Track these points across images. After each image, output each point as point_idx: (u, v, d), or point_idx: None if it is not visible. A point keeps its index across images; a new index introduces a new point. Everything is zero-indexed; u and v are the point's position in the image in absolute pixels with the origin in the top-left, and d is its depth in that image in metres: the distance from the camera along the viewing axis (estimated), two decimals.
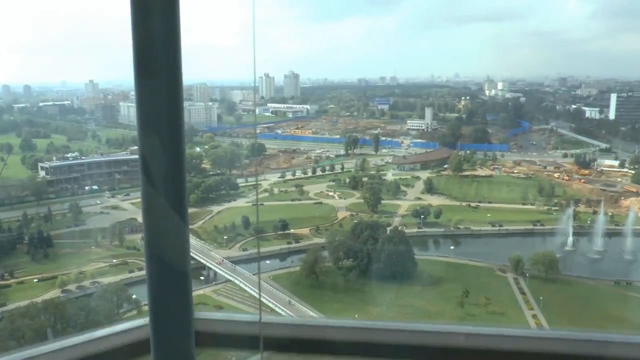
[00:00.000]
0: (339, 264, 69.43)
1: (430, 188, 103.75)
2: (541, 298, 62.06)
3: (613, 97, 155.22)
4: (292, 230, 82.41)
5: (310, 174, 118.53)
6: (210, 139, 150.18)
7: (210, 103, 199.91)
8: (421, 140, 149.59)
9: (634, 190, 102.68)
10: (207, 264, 71.33)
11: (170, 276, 1.91)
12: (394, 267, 66.08)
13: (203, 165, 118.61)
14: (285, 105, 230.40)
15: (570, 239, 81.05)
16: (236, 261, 71.88)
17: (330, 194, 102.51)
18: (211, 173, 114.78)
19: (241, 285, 64.91)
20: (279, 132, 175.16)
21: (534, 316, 59.78)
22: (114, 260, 72.83)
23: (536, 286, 65.81)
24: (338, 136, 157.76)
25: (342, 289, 65.90)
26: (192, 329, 1.98)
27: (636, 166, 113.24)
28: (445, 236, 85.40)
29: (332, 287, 66.11)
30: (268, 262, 74.43)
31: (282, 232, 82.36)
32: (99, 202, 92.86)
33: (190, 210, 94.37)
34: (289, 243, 79.91)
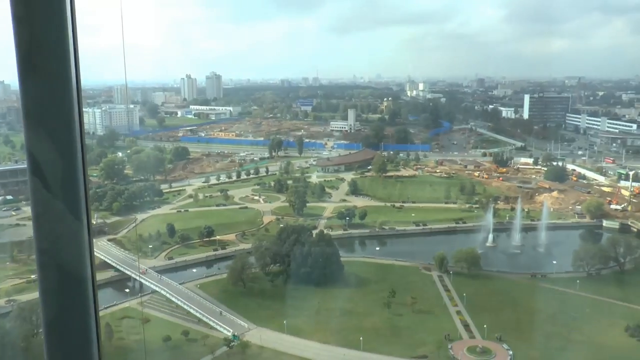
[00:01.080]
0: (266, 269, 69.07)
1: (354, 189, 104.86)
2: (465, 294, 63.79)
3: (526, 98, 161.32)
4: (218, 237, 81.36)
5: (235, 177, 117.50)
6: (133, 143, 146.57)
7: (132, 106, 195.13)
8: (345, 142, 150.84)
9: (547, 186, 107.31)
10: (132, 275, 69.43)
11: (69, 287, 1.81)
12: (320, 270, 66.38)
13: (126, 171, 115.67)
14: (208, 108, 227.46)
15: (491, 235, 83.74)
16: (162, 271, 70.40)
17: (256, 198, 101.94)
18: (134, 179, 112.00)
19: (168, 295, 63.69)
20: (202, 135, 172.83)
21: (458, 312, 61.34)
22: (32, 276, 69.55)
23: (460, 283, 67.58)
24: (262, 138, 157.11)
25: (270, 295, 65.41)
26: (94, 345, 1.88)
27: (548, 163, 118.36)
28: (370, 237, 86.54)
29: (260, 294, 65.57)
30: (194, 270, 73.25)
31: (207, 239, 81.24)
32: (14, 213, 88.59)
33: (114, 219, 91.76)
34: (215, 250, 78.89)
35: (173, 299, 62.70)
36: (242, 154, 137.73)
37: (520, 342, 55.93)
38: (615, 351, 54.28)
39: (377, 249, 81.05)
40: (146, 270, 69.77)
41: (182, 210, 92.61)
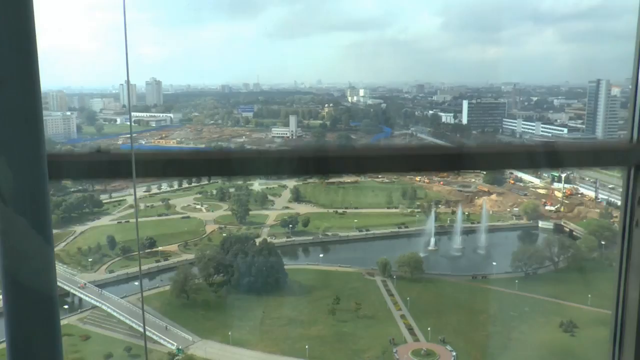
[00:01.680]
0: (210, 280, 68.40)
1: (297, 196, 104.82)
2: (408, 298, 64.75)
3: (465, 104, 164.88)
4: (160, 248, 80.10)
5: (176, 186, 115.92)
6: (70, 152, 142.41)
7: (69, 112, 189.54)
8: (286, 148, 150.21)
9: (486, 189, 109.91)
10: (71, 290, 67.03)
11: (36, 305, 1.77)
12: (264, 279, 66.23)
13: (64, 182, 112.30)
14: (148, 114, 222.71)
15: (433, 239, 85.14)
16: (103, 285, 68.91)
17: (198, 207, 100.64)
18: (72, 190, 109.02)
19: (109, 310, 62.25)
20: (143, 142, 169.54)
21: (402, 316, 62.21)
22: None
23: (403, 287, 68.51)
24: (203, 145, 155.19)
25: (214, 306, 64.85)
26: None
27: None
28: (314, 244, 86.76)
29: (204, 305, 64.88)
30: (136, 283, 71.97)
31: (149, 250, 79.88)
32: None
33: None
34: (157, 261, 77.62)
35: (115, 313, 61.46)
36: None
37: (463, 343, 57.17)
38: (551, 346, 56.38)
39: (321, 255, 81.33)
40: (85, 284, 68.26)
41: (123, 221, 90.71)
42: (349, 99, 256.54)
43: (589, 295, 66.49)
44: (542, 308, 63.26)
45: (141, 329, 57.15)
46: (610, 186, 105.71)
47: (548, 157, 3.02)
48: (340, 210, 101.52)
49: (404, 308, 63.30)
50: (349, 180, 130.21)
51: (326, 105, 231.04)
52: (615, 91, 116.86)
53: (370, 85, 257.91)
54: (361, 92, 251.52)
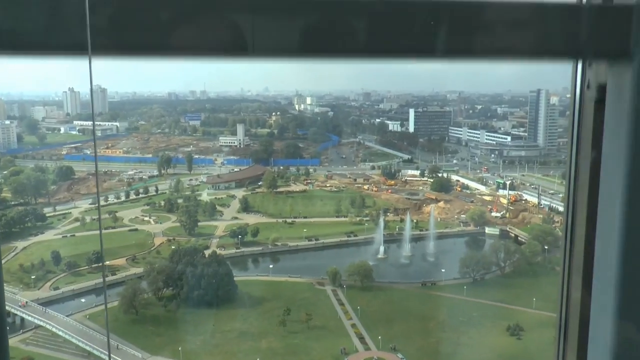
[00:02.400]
0: (159, 294, 67.19)
1: (246, 207, 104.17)
2: (359, 307, 65.03)
3: (411, 112, 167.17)
4: (107, 262, 78.20)
5: (123, 198, 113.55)
6: (10, 163, 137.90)
7: (8, 121, 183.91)
8: (234, 157, 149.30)
9: (433, 197, 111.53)
10: (12, 310, 63.85)
11: None
12: (214, 292, 65.51)
13: (3, 195, 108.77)
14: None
15: (382, 247, 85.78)
16: (46, 303, 66.65)
17: (146, 219, 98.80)
18: (13, 203, 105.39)
19: (54, 330, 60.34)
20: (88, 152, 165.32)
21: (353, 325, 62.44)
22: None
23: (353, 296, 68.79)
24: (150, 155, 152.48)
25: (164, 320, 63.68)
26: None
27: (434, 175, 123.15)
28: (263, 254, 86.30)
29: (154, 320, 63.67)
30: (83, 300, 69.91)
31: (96, 265, 77.85)
32: None
33: None
34: (105, 276, 75.82)
35: (60, 332, 59.59)
36: (130, 173, 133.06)
37: (413, 350, 57.76)
38: (498, 350, 57.50)
39: (271, 266, 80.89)
40: (26, 302, 65.80)
41: (68, 235, 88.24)
42: (296, 107, 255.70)
43: (534, 299, 68.19)
44: (490, 313, 64.55)
45: (88, 348, 55.70)
46: (551, 192, 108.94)
47: None
48: (289, 220, 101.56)
49: (354, 317, 63.55)
50: (297, 189, 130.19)
51: (273, 113, 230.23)
52: (554, 100, 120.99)
53: (317, 93, 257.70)
54: (308, 100, 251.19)
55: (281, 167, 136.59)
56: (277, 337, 59.31)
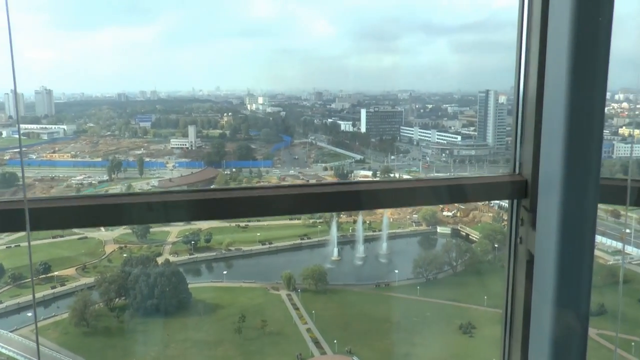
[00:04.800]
0: (111, 304, 65.84)
1: None
2: (313, 311, 65.13)
3: (363, 112, 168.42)
4: (56, 272, 76.12)
5: None
6: None
7: None
8: (186, 160, 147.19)
9: None
10: None
11: None
12: (168, 300, 64.59)
13: None
14: (38, 126, 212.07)
15: (335, 249, 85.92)
16: None
17: None
18: None
19: None
20: (34, 157, 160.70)
21: (309, 330, 62.48)
22: None
23: (308, 300, 68.77)
24: (100, 159, 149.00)
25: (117, 332, 62.45)
26: None
27: (386, 175, 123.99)
28: (217, 260, 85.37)
29: (106, 332, 62.31)
30: (29, 314, 68.00)
31: (44, 276, 75.65)
32: None
33: None
34: (53, 287, 73.70)
35: (4, 350, 57.74)
36: (79, 177, 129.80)
37: (369, 352, 58.22)
38: (451, 348, 58.46)
39: (225, 272, 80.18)
40: None
41: (13, 245, 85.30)
42: (248, 107, 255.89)
43: (485, 297, 69.46)
44: (443, 312, 65.50)
45: None
46: None
47: (447, 193, 3.42)
48: (242, 224, 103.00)
49: (309, 321, 63.60)
50: None
51: (225, 114, 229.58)
52: (502, 99, 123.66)
53: (269, 92, 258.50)
54: (260, 100, 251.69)
55: (234, 170, 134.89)
56: (233, 344, 58.90)
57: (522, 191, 3.26)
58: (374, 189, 3.23)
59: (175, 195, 2.94)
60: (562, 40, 2.00)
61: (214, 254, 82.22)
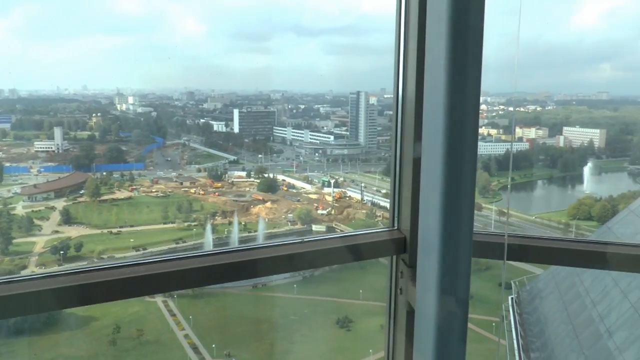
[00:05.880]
0: None
1: (68, 218, 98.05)
2: (191, 317, 64.27)
3: (236, 112, 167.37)
4: None
5: None
6: None
7: None
8: (53, 164, 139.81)
9: (261, 197, 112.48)
10: None
11: None
12: (34, 316, 61.42)
13: None
14: None
15: None
16: None
17: None
18: None
19: None
20: None
21: (186, 336, 61.57)
22: None
23: (185, 305, 67.76)
24: None
25: None
26: None
27: (260, 175, 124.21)
28: None
29: None
30: None
31: None
32: None
33: None
34: None
35: None
36: None
37: (248, 354, 58.36)
38: (330, 343, 59.80)
39: (101, 261, 77.31)
40: None
41: None
42: (118, 107, 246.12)
43: (361, 290, 71.56)
44: (320, 308, 66.79)
45: None
46: (374, 188, 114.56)
47: (326, 256, 3.47)
48: (115, 230, 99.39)
49: (187, 327, 62.76)
50: (122, 196, 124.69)
51: (94, 114, 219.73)
52: (373, 100, 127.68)
53: (139, 92, 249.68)
54: (130, 100, 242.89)
55: (104, 173, 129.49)
56: (107, 358, 57.02)
57: (401, 247, 3.40)
58: (250, 259, 3.22)
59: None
60: (440, 50, 2.03)
61: (85, 263, 79.08)
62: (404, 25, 3.30)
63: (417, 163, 3.04)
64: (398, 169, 3.51)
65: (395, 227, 3.51)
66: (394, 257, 3.48)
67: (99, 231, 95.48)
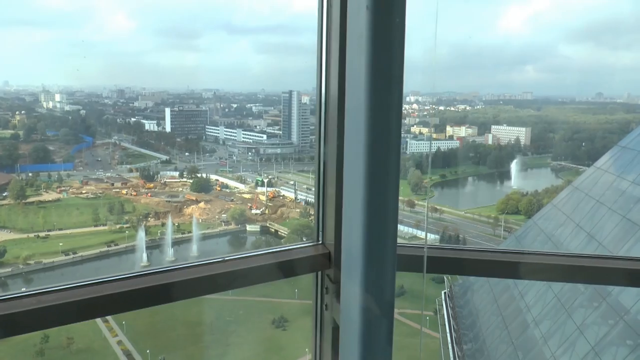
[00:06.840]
0: None
1: None
2: (124, 322, 63.04)
3: (167, 111, 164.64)
4: None
5: None
6: None
7: None
8: None
9: (194, 198, 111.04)
10: None
11: None
12: None
13: None
14: None
15: (144, 254, 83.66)
16: None
17: None
18: None
19: None
20: None
21: (120, 342, 60.41)
22: None
23: None
24: None
25: None
26: None
27: (193, 175, 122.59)
28: (14, 276, 79.17)
29: None
30: None
31: None
32: None
33: None
34: None
35: None
36: None
37: (183, 359, 57.77)
38: (265, 343, 59.85)
39: (23, 289, 74.65)
40: None
41: None
42: (44, 104, 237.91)
43: (296, 290, 71.79)
44: (256, 309, 66.64)
45: None
46: (306, 186, 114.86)
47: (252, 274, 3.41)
48: (42, 234, 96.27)
49: (120, 333, 61.51)
50: (50, 198, 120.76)
51: (17, 112, 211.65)
52: (305, 99, 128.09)
53: (66, 89, 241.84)
54: (57, 97, 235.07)
55: (30, 174, 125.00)
56: None
57: (325, 263, 3.31)
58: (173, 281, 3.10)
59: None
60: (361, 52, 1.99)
61: (10, 270, 76.17)
62: (325, 25, 3.20)
63: (340, 173, 2.93)
64: (322, 179, 3.37)
65: (320, 242, 3.39)
66: (319, 272, 3.38)
67: (24, 235, 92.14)
